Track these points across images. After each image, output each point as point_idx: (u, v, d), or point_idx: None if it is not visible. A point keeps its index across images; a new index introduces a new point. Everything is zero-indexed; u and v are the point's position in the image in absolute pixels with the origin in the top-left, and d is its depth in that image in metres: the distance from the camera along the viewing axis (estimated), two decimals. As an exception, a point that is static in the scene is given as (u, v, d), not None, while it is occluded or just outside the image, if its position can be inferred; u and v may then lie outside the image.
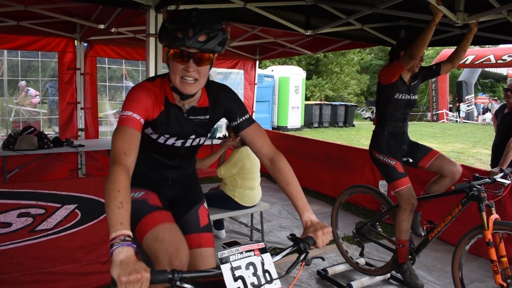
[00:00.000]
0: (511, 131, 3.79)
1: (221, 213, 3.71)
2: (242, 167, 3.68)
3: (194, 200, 1.94)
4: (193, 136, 1.74)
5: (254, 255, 1.22)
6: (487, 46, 17.42)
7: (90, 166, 5.71)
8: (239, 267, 1.18)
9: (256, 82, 7.56)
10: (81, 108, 5.82)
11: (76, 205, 2.87)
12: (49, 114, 6.23)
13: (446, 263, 3.38)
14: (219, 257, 1.17)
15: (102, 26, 4.52)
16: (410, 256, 3.05)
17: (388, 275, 3.37)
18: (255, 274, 1.19)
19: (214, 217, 3.70)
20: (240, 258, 1.19)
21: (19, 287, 2.74)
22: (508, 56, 16.44)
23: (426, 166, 3.08)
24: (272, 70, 16.53)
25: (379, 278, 3.35)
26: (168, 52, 1.49)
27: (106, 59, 6.23)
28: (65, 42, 5.57)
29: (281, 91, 16.13)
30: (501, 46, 16.37)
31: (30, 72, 6.25)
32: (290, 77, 16.23)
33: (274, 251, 1.32)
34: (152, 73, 2.99)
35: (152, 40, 2.98)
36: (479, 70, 22.94)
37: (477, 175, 2.77)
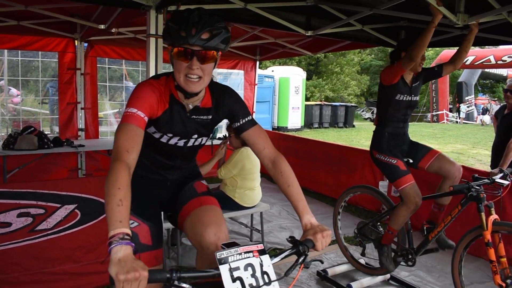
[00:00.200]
0: (511, 132, 3.79)
1: (221, 214, 3.71)
2: (243, 168, 3.69)
3: (189, 180, 1.92)
4: (196, 136, 1.74)
5: (253, 256, 1.22)
6: (487, 47, 17.42)
7: (90, 166, 5.71)
8: (237, 268, 1.18)
9: (256, 82, 7.56)
10: (81, 108, 5.82)
11: (76, 205, 2.87)
12: (50, 114, 6.23)
13: (446, 264, 3.38)
14: (218, 257, 1.17)
15: (102, 26, 4.52)
16: (410, 257, 3.05)
17: (388, 276, 3.37)
18: (253, 275, 1.20)
19: (214, 217, 3.70)
20: (239, 259, 1.19)
21: (19, 287, 2.74)
22: (508, 57, 16.45)
23: (426, 167, 3.08)
24: (273, 71, 16.53)
25: (379, 278, 3.35)
26: (171, 51, 1.50)
27: (106, 59, 6.24)
28: (65, 42, 5.57)
29: (281, 92, 16.13)
30: (501, 47, 16.38)
31: (30, 72, 6.25)
32: (290, 77, 16.23)
33: (274, 252, 1.32)
34: (152, 73, 2.99)
35: (152, 41, 2.98)
36: (479, 71, 22.94)
37: (476, 175, 2.77)
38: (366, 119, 26.88)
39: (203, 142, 1.81)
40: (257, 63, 7.43)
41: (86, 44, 5.79)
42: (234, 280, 1.16)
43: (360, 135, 15.96)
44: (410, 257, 3.05)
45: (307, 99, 21.38)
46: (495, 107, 23.79)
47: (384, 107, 3.12)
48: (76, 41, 5.62)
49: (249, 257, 1.21)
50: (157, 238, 1.77)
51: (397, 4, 3.15)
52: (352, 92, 28.46)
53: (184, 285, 1.13)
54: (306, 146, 6.58)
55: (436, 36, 3.98)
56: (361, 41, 4.55)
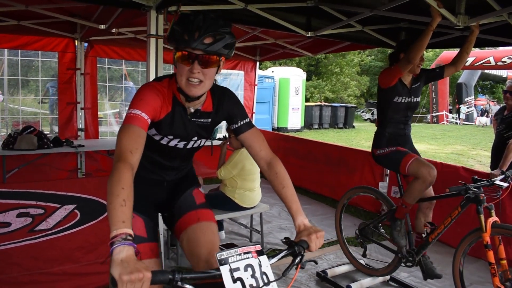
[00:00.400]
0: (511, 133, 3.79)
1: (221, 214, 3.71)
2: (242, 168, 3.68)
3: (187, 184, 1.92)
4: (195, 138, 1.75)
5: (252, 257, 1.23)
6: (487, 48, 17.44)
7: (89, 166, 5.71)
8: (237, 269, 1.19)
9: (256, 83, 7.55)
10: (81, 108, 5.82)
11: (76, 205, 2.87)
12: (50, 114, 6.23)
13: (446, 265, 3.37)
14: (218, 258, 1.18)
15: (102, 27, 4.52)
16: (410, 258, 3.04)
17: (388, 277, 3.37)
18: (253, 276, 1.21)
19: (213, 218, 3.70)
20: (239, 260, 1.20)
21: None
22: (508, 58, 16.47)
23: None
24: (273, 71, 16.54)
25: (379, 279, 3.35)
26: (175, 54, 1.50)
27: (106, 59, 6.24)
28: (65, 42, 5.57)
29: (281, 92, 16.14)
30: (501, 48, 16.41)
31: (30, 72, 6.25)
32: (290, 78, 16.25)
33: (273, 253, 1.33)
34: (152, 74, 2.99)
35: (152, 41, 2.97)
36: (479, 72, 22.98)
37: (476, 177, 2.76)
38: (366, 120, 26.89)
39: (202, 144, 1.83)
40: (257, 63, 7.43)
41: (86, 44, 5.79)
42: (234, 280, 1.17)
43: (360, 136, 15.97)
44: (410, 258, 3.05)
45: (307, 100, 21.39)
46: (494, 108, 23.84)
47: (384, 109, 3.12)
48: (76, 41, 5.62)
49: (248, 257, 1.22)
50: (153, 232, 1.76)
51: (398, 5, 3.15)
52: (352, 93, 28.47)
53: (186, 286, 1.14)
54: (306, 147, 6.58)
55: (437, 38, 3.99)
56: (361, 42, 4.55)
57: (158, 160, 1.80)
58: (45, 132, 5.15)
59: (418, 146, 3.38)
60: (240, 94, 7.26)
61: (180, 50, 1.47)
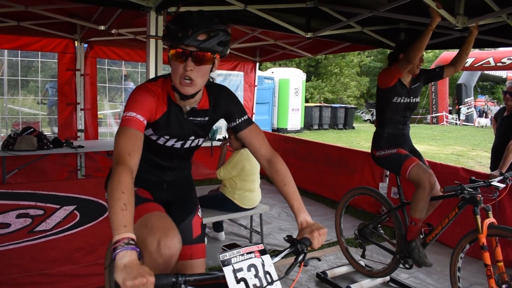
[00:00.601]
0: (511, 133, 3.79)
1: (221, 215, 3.71)
2: (242, 169, 3.68)
3: (189, 208, 1.91)
4: (193, 137, 1.74)
5: (255, 256, 1.23)
6: (486, 49, 17.46)
7: (89, 167, 5.70)
8: (241, 269, 1.19)
9: (256, 84, 7.56)
10: (81, 109, 5.81)
11: (75, 206, 2.87)
12: (49, 114, 6.23)
13: (445, 266, 3.37)
14: (221, 259, 1.18)
15: (102, 27, 4.51)
16: (409, 260, 3.04)
17: (388, 278, 3.37)
18: (256, 275, 1.20)
19: (213, 219, 3.70)
20: (242, 260, 1.20)
21: (17, 288, 2.73)
22: (508, 59, 16.49)
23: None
24: (272, 72, 16.54)
25: (378, 281, 3.34)
26: (169, 52, 1.50)
27: (106, 60, 6.24)
28: (65, 43, 5.56)
29: (281, 93, 16.14)
30: (501, 49, 16.43)
31: (30, 73, 6.25)
32: (290, 79, 16.24)
33: (274, 253, 1.33)
34: (152, 75, 2.99)
35: (152, 42, 2.97)
36: (479, 72, 22.98)
37: (473, 178, 2.75)
38: (365, 120, 26.90)
39: (199, 143, 1.82)
40: (257, 64, 7.43)
41: (86, 45, 5.79)
42: (238, 281, 1.17)
43: (359, 137, 15.97)
44: (408, 260, 3.04)
45: (306, 100, 21.39)
46: (493, 108, 23.85)
47: (383, 110, 3.12)
48: (76, 41, 5.61)
49: (251, 257, 1.22)
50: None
51: (397, 6, 3.16)
52: (352, 93, 28.46)
53: None
54: (306, 148, 6.58)
55: (436, 38, 3.99)
56: (361, 43, 4.55)
57: (156, 160, 1.80)
58: (45, 133, 5.15)
59: (417, 147, 3.38)
60: (239, 95, 7.25)
61: (174, 47, 1.46)
